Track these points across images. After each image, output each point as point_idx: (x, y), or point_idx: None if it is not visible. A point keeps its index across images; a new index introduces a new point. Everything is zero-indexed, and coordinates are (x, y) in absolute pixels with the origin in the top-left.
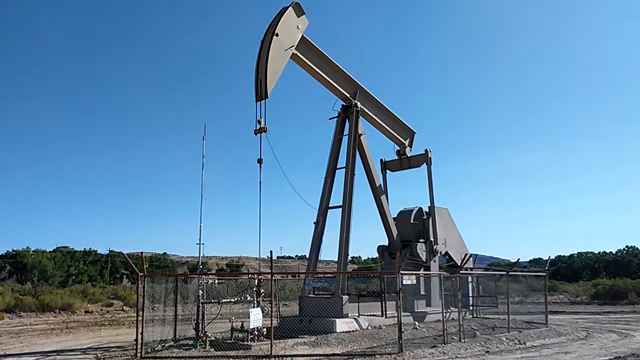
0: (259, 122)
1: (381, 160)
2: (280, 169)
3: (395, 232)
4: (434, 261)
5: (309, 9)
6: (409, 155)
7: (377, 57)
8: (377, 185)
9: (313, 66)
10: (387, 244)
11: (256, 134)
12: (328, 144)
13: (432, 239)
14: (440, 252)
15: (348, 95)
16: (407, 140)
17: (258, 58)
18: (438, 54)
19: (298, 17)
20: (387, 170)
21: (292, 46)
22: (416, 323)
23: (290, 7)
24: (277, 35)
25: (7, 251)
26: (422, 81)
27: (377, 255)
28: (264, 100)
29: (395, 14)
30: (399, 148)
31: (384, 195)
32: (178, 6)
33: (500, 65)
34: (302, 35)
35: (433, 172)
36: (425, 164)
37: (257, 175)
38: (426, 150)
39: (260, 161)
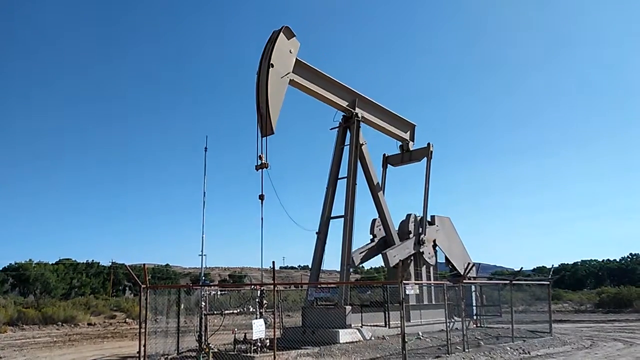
0: (260, 157)
1: (383, 155)
2: (281, 204)
3: (397, 242)
4: (420, 251)
5: (317, 17)
6: (411, 149)
7: (377, 66)
8: (379, 194)
9: (310, 86)
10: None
11: (257, 170)
12: (330, 154)
13: (421, 227)
14: (428, 244)
15: (347, 106)
16: (408, 134)
17: (257, 92)
18: (438, 62)
19: (289, 40)
20: (389, 165)
21: (288, 73)
22: (420, 333)
23: (281, 33)
24: (272, 66)
25: (10, 264)
26: (423, 90)
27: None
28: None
29: (394, 23)
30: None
31: (385, 203)
32: (182, 17)
33: (500, 73)
34: (296, 59)
35: (435, 171)
36: (425, 157)
37: (259, 186)
38: (428, 144)
39: (261, 197)
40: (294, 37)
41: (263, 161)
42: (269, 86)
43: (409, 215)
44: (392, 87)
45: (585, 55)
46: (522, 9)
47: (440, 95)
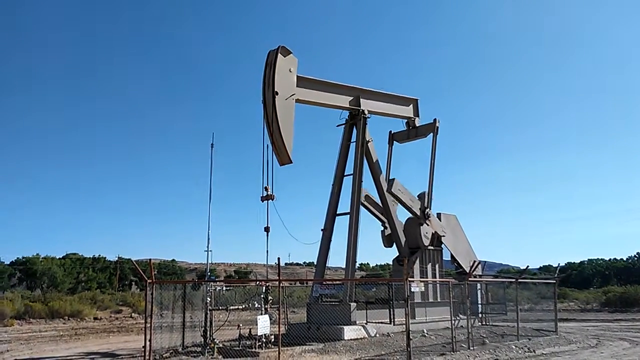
0: (266, 189)
1: (389, 132)
2: (286, 228)
3: (403, 239)
4: (420, 224)
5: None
6: (417, 126)
7: (388, 63)
8: (385, 192)
9: (314, 99)
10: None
11: (263, 201)
12: (336, 150)
13: (426, 201)
14: (430, 225)
15: (352, 104)
16: (412, 109)
17: (267, 123)
18: (449, 61)
19: (287, 58)
20: (395, 142)
21: (292, 94)
22: (424, 330)
23: (278, 54)
24: (277, 93)
25: (17, 258)
26: (430, 89)
27: (389, 262)
28: (270, 167)
29: (404, 22)
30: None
31: (391, 202)
32: (190, 16)
33: (509, 73)
34: (297, 75)
35: (442, 170)
36: (431, 133)
37: (267, 183)
38: (434, 119)
39: (267, 229)
40: (291, 54)
41: (269, 193)
42: (278, 116)
43: (422, 193)
44: (400, 86)
45: (593, 55)
46: (531, 9)
47: (448, 94)
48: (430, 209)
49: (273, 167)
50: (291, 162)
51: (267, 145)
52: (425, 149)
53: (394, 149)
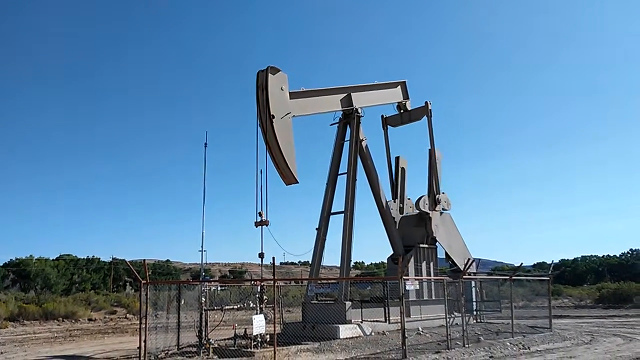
0: (260, 214)
1: (382, 116)
2: (283, 249)
3: (397, 237)
4: (436, 210)
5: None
6: (409, 109)
7: (384, 62)
8: (380, 190)
9: (308, 112)
10: None
11: (257, 226)
12: (330, 149)
13: (434, 189)
14: (436, 211)
15: (344, 105)
16: (400, 91)
17: (268, 146)
18: (445, 60)
19: (277, 77)
20: (389, 126)
21: (288, 113)
22: (420, 328)
23: (269, 75)
24: (274, 117)
25: (11, 259)
26: (426, 89)
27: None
28: (264, 192)
29: (399, 19)
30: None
31: (385, 199)
32: (182, 14)
33: (502, 73)
34: (289, 92)
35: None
36: (425, 116)
37: (262, 184)
38: (426, 102)
39: (261, 255)
40: (280, 72)
41: (263, 218)
42: (278, 138)
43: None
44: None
45: (589, 54)
46: (526, 10)
47: (442, 95)
48: (439, 194)
49: (267, 192)
50: (297, 182)
51: (261, 170)
52: (424, 147)
53: (390, 133)
